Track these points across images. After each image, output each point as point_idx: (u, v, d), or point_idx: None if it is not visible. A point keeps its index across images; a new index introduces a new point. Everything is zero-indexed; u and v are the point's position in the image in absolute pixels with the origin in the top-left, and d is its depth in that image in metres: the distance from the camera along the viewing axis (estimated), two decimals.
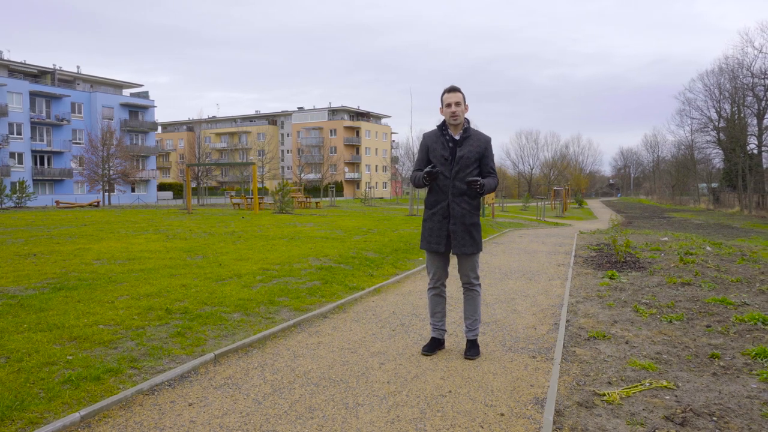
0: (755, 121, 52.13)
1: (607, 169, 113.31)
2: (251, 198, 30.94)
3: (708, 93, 55.32)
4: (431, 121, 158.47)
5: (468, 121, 4.28)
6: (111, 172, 43.64)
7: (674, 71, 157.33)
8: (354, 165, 79.82)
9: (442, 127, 4.27)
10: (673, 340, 4.89)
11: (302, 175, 61.31)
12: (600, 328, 5.25)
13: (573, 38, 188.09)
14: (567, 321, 5.56)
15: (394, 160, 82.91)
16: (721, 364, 4.20)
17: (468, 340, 4.37)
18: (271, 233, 13.44)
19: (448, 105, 4.18)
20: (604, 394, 3.53)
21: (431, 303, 4.45)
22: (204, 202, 38.50)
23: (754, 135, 52.54)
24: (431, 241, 4.24)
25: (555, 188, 53.47)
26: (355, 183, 79.09)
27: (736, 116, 53.79)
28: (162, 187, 66.34)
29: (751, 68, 50.63)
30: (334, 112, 79.96)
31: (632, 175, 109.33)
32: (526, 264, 9.91)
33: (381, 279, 7.66)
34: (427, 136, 4.35)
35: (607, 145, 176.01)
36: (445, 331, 4.50)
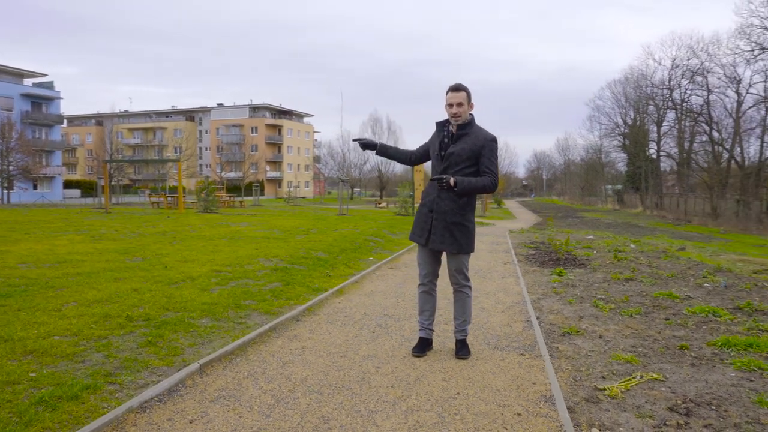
0: (655, 128, 56.41)
1: (521, 171, 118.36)
2: (171, 197, 29.52)
3: (615, 101, 59.19)
4: (356, 121, 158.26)
5: (472, 119, 4.19)
6: (11, 168, 40.09)
7: (583, 79, 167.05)
8: (276, 164, 78.21)
9: (445, 122, 4.20)
10: (640, 333, 5.10)
11: (223, 173, 59.33)
12: (570, 324, 5.40)
13: (490, 45, 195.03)
14: (537, 318, 5.67)
15: (317, 159, 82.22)
16: (693, 354, 4.43)
17: (457, 341, 4.33)
18: (207, 233, 12.83)
19: (450, 105, 4.09)
20: (605, 389, 3.60)
21: (420, 300, 4.37)
22: (119, 201, 36.24)
23: (654, 141, 56.85)
24: (416, 232, 4.22)
25: None
26: (277, 182, 77.55)
27: (638, 123, 57.93)
28: (68, 185, 61.75)
29: (652, 79, 54.72)
30: (255, 109, 77.93)
31: (545, 176, 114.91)
32: (474, 262, 10.06)
33: (340, 279, 7.49)
34: (433, 133, 4.30)
35: (522, 148, 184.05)
36: (433, 330, 4.44)
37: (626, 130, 59.80)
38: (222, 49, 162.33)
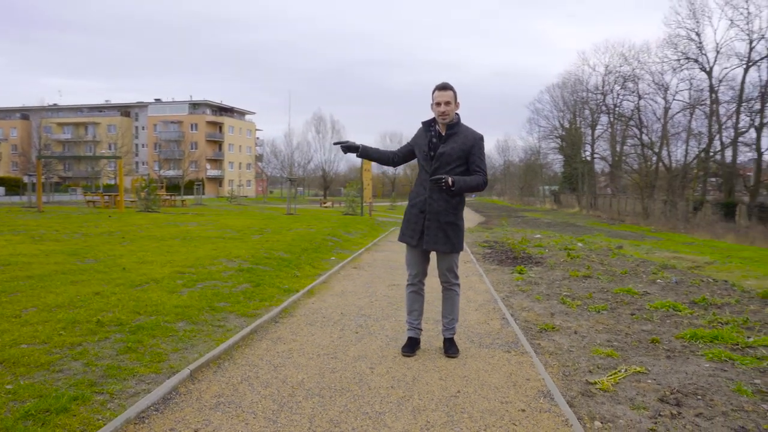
0: (590, 131, 58.92)
1: None
2: (109, 195, 28.22)
3: (554, 104, 61.33)
4: (299, 119, 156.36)
5: (458, 118, 4.21)
6: None
7: (520, 82, 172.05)
8: (217, 162, 76.16)
9: (431, 122, 4.20)
10: (611, 328, 5.30)
11: (161, 171, 57.24)
12: (545, 321, 5.54)
13: (429, 47, 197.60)
14: (511, 315, 5.79)
15: (259, 157, 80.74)
16: (665, 347, 4.65)
17: (446, 339, 4.36)
18: (157, 233, 12.34)
19: (438, 104, 4.08)
20: (596, 383, 3.72)
21: (409, 300, 4.36)
22: (49, 200, 34.20)
23: (588, 143, 59.38)
24: (406, 233, 4.19)
25: None
26: (218, 181, 75.55)
27: (575, 126, 60.32)
28: None
29: (587, 84, 57.11)
30: (195, 105, 75.53)
31: None
32: (434, 262, 10.15)
33: (308, 280, 7.39)
34: (419, 130, 4.26)
35: None
36: (421, 330, 4.45)
37: (563, 133, 62.10)
38: (159, 42, 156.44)
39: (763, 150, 38.25)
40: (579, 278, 8.30)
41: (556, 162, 68.98)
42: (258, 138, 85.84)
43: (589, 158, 59.63)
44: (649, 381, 3.79)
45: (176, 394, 3.29)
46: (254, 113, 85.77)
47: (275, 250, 9.74)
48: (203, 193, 44.75)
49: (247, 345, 4.38)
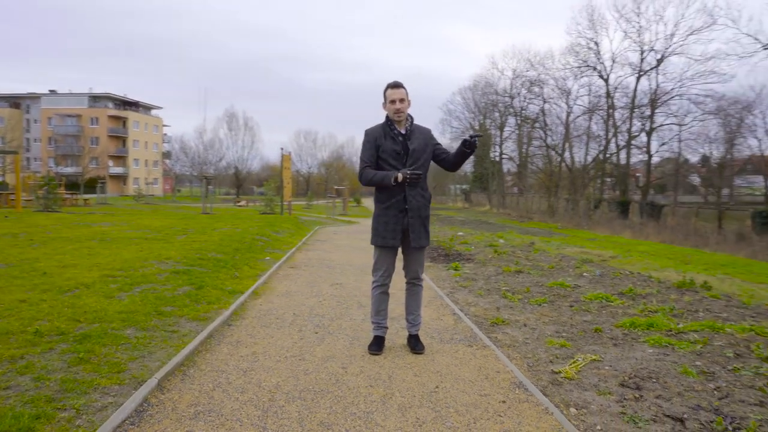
0: (498, 132, 61.49)
1: None
2: (0, 194, 25.81)
3: (465, 106, 63.34)
4: (210, 116, 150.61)
5: (411, 116, 4.27)
6: None
7: (430, 84, 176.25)
8: (120, 159, 71.61)
9: (389, 122, 4.21)
10: (556, 320, 5.59)
11: (57, 168, 53.08)
12: (493, 315, 5.74)
13: (345, 46, 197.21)
14: (461, 310, 5.94)
15: (167, 155, 77.07)
16: (609, 336, 4.97)
17: (412, 336, 4.40)
18: (70, 235, 11.45)
19: (393, 101, 4.12)
20: (560, 372, 3.91)
21: (377, 301, 4.35)
22: None
23: (497, 144, 61.95)
24: (386, 236, 4.15)
25: (337, 187, 55.75)
26: (122, 179, 71.16)
27: (484, 128, 62.66)
28: None
29: (496, 87, 59.53)
30: (96, 98, 70.47)
31: None
32: (370, 260, 10.19)
33: (249, 281, 7.17)
34: (372, 132, 4.22)
35: None
36: (387, 328, 4.46)
37: None
38: (55, 30, 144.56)
39: (652, 153, 41.75)
40: (512, 273, 8.66)
41: (467, 162, 71.38)
42: (166, 134, 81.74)
43: (498, 158, 62.24)
44: (607, 368, 4.04)
45: (148, 405, 3.08)
46: (161, 108, 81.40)
47: (206, 250, 9.36)
48: (106, 192, 42.02)
49: (207, 350, 4.19)
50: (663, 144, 41.72)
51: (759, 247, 21.56)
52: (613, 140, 43.73)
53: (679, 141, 41.18)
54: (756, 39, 30.71)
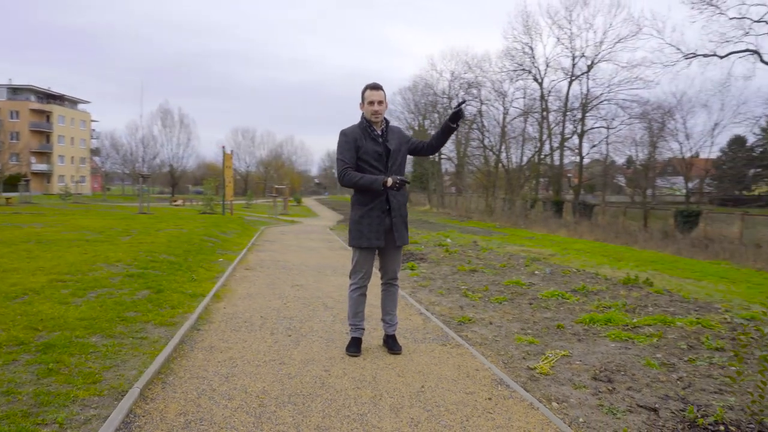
0: None
1: (314, 169, 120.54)
2: None
3: (406, 106, 63.93)
4: (132, 111, 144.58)
5: (386, 118, 4.31)
6: None
7: (364, 83, 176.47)
8: (44, 155, 67.37)
9: (367, 123, 4.22)
10: (519, 317, 5.79)
11: None
12: (458, 314, 5.87)
13: (281, 43, 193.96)
14: (427, 310, 6.04)
15: (95, 152, 73.37)
16: (571, 332, 5.20)
17: (390, 336, 4.44)
18: (0, 236, 10.73)
19: (371, 103, 4.16)
20: (536, 368, 4.07)
21: (356, 303, 4.36)
22: None
23: None
24: (371, 237, 4.15)
25: (277, 186, 55.02)
26: (46, 176, 67.09)
27: (423, 128, 63.55)
28: None
29: (435, 88, 60.50)
30: (16, 90, 65.89)
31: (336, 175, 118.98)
32: (325, 260, 10.17)
33: (208, 283, 6.99)
34: (350, 133, 4.21)
35: (316, 147, 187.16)
36: (364, 329, 4.48)
37: (413, 134, 65.11)
38: None
39: (584, 154, 43.68)
40: (468, 272, 8.87)
41: (407, 161, 72.16)
42: (94, 130, 77.67)
43: (437, 159, 63.28)
44: (577, 363, 4.23)
45: (135, 416, 2.97)
46: (89, 102, 77.32)
47: (156, 252, 9.02)
48: (30, 191, 39.58)
49: (182, 356, 4.06)
50: (593, 146, 43.74)
51: (683, 245, 23.05)
52: (548, 142, 45.46)
53: (607, 143, 43.34)
54: (678, 49, 32.81)
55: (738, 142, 51.83)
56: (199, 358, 4.04)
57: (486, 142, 52.37)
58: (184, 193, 69.77)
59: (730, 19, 28.05)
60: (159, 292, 6.03)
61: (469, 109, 56.58)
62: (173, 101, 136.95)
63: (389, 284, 4.44)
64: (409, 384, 3.65)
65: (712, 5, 27.44)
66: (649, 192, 41.68)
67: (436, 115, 61.74)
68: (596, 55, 40.71)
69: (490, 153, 52.08)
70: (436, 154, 62.28)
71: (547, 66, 44.35)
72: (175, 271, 7.46)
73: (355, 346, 4.30)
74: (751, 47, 28.31)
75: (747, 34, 27.88)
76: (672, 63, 32.46)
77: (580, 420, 3.19)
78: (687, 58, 30.11)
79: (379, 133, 4.22)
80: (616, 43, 40.15)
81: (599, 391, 3.64)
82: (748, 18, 27.49)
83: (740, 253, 20.04)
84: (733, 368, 4.10)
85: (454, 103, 57.76)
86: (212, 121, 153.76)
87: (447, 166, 65.26)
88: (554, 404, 3.42)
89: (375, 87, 4.19)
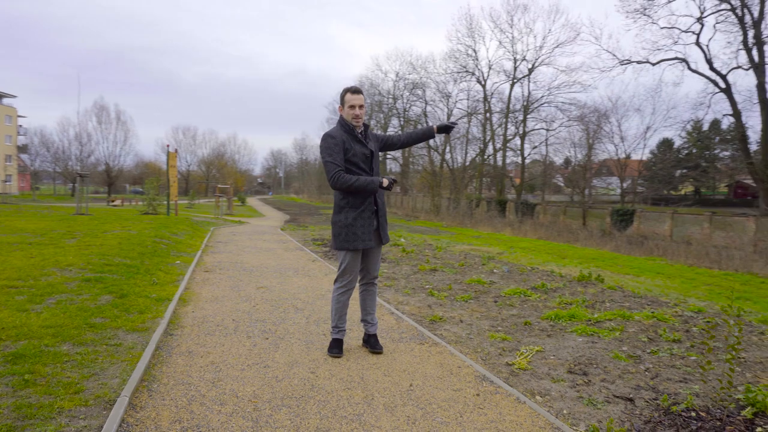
0: (383, 133, 62.83)
1: (257, 169, 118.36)
2: None
3: None
4: (64, 108, 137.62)
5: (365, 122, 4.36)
6: None
7: (313, 82, 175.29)
8: None
9: (350, 126, 4.25)
10: (487, 315, 5.96)
11: None
12: (428, 313, 5.98)
13: (222, 40, 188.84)
14: (397, 309, 6.11)
15: (23, 149, 69.26)
16: (539, 328, 5.41)
17: (372, 335, 4.49)
18: None
19: (352, 107, 4.20)
20: (514, 364, 4.22)
21: (342, 306, 4.36)
22: None
23: None
24: (365, 238, 4.17)
25: (221, 186, 53.81)
26: None
27: (371, 128, 63.75)
28: None
29: (380, 88, 60.77)
30: None
31: (281, 174, 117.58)
32: (284, 261, 10.08)
33: (171, 287, 6.80)
34: (338, 135, 4.20)
35: (259, 145, 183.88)
36: (345, 331, 4.50)
37: None
38: None
39: (525, 155, 45.04)
40: (428, 272, 9.02)
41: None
42: (21, 126, 73.31)
43: (382, 158, 63.63)
44: (551, 357, 4.42)
45: (127, 426, 2.89)
46: (15, 96, 72.76)
47: (108, 255, 8.68)
48: None
49: (161, 362, 3.96)
50: (534, 147, 45.17)
51: (620, 242, 24.21)
52: (491, 143, 46.56)
53: (547, 145, 44.91)
54: (614, 55, 34.41)
55: (666, 144, 54.98)
56: (180, 364, 3.95)
57: (431, 142, 53.11)
58: (122, 192, 67.06)
59: (661, 28, 29.75)
60: (122, 296, 5.83)
61: (414, 110, 57.33)
62: (109, 98, 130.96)
63: (370, 284, 4.49)
64: (397, 383, 3.71)
65: (645, 15, 28.96)
66: (586, 191, 43.45)
67: (381, 115, 62.04)
68: (536, 59, 42.12)
69: (436, 153, 52.84)
70: (382, 154, 62.82)
71: (490, 68, 45.48)
72: (134, 275, 7.21)
73: (338, 348, 4.32)
74: (680, 56, 30.06)
75: (676, 43, 29.62)
76: (609, 68, 34.05)
77: (564, 412, 3.35)
78: (622, 64, 31.66)
79: (362, 135, 4.27)
80: (555, 47, 41.80)
81: (576, 384, 3.82)
82: (677, 28, 29.22)
83: (672, 250, 21.29)
84: (693, 358, 4.41)
85: (399, 104, 58.32)
86: (152, 119, 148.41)
87: (392, 166, 65.76)
88: (537, 398, 3.57)
89: (355, 91, 4.23)
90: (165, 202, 25.59)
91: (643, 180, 49.23)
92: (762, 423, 3.11)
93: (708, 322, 5.63)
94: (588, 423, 3.18)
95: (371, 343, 4.45)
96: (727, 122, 37.32)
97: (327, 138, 4.20)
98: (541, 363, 4.27)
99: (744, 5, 26.86)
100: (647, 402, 3.50)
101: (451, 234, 27.27)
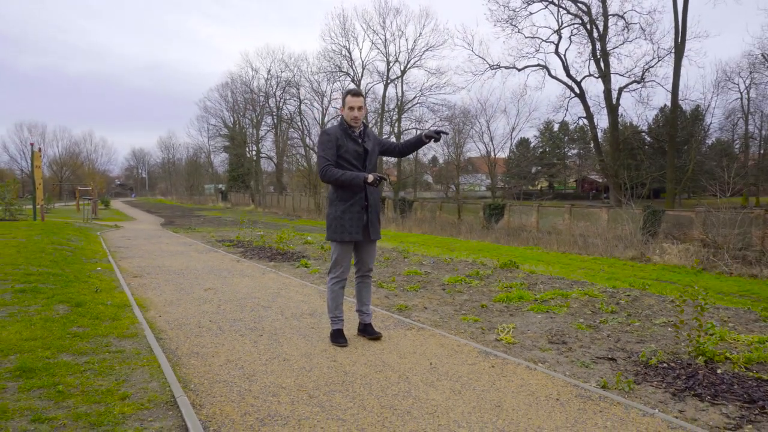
0: (254, 131, 61.51)
1: (116, 169, 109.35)
2: None
3: (225, 103, 61.70)
4: None
5: (364, 122, 4.62)
6: None
7: (173, 77, 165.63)
8: None
9: (346, 125, 4.48)
10: (444, 301, 6.46)
11: None
12: (390, 303, 6.33)
13: (62, 29, 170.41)
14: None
15: None
16: (497, 309, 6.01)
17: (367, 324, 4.75)
18: None
19: (351, 108, 4.45)
20: (502, 339, 4.73)
21: (337, 296, 4.58)
22: None
23: (253, 143, 61.91)
24: (352, 231, 4.42)
25: (81, 188, 49.34)
26: None
27: (240, 125, 62.10)
28: None
29: (251, 86, 59.41)
30: None
31: (144, 175, 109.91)
32: (207, 263, 9.80)
33: (118, 293, 6.43)
34: (332, 132, 4.42)
35: (121, 144, 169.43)
36: (343, 320, 4.72)
37: (225, 132, 63.25)
38: None
39: None
40: None
41: (225, 160, 69.76)
42: None
43: (255, 157, 62.26)
44: (528, 332, 5.01)
45: (208, 422, 2.91)
46: None
47: (16, 264, 7.88)
48: None
49: (178, 365, 3.90)
50: None
51: (499, 234, 26.33)
52: None
53: None
54: (484, 60, 37.10)
55: (524, 143, 60.31)
56: (198, 365, 3.93)
57: (307, 141, 53.06)
58: None
59: (526, 37, 32.66)
60: (78, 305, 5.46)
61: (288, 108, 56.81)
62: None
63: (365, 276, 4.75)
64: (417, 362, 4.04)
65: (511, 24, 31.61)
66: (459, 187, 46.22)
67: (253, 114, 60.69)
68: (408, 61, 43.90)
69: (312, 152, 52.86)
70: (256, 152, 61.30)
71: (364, 69, 46.56)
72: (69, 283, 6.69)
73: (342, 337, 4.54)
74: (542, 63, 33.24)
75: (538, 51, 32.62)
76: (480, 72, 36.61)
77: (567, 374, 3.91)
78: (492, 69, 34.24)
79: (358, 134, 4.51)
80: (426, 50, 43.88)
81: (562, 351, 4.42)
82: (539, 38, 32.27)
83: (546, 240, 23.62)
84: (637, 324, 5.24)
85: (272, 102, 57.46)
86: None
87: (264, 165, 64.57)
88: (540, 365, 4.10)
89: (356, 93, 4.47)
90: (27, 207, 23.07)
91: (505, 176, 53.49)
92: (715, 366, 3.91)
93: (629, 295, 6.62)
94: (596, 379, 3.76)
95: (368, 331, 4.72)
96: (573, 123, 41.90)
97: (322, 134, 4.46)
98: (523, 337, 4.83)
99: (592, 21, 30.45)
100: (625, 360, 4.18)
101: None
